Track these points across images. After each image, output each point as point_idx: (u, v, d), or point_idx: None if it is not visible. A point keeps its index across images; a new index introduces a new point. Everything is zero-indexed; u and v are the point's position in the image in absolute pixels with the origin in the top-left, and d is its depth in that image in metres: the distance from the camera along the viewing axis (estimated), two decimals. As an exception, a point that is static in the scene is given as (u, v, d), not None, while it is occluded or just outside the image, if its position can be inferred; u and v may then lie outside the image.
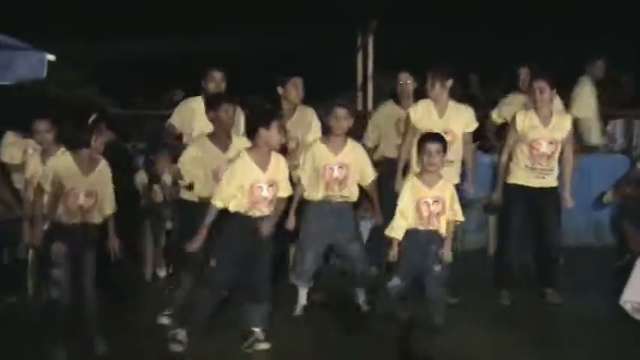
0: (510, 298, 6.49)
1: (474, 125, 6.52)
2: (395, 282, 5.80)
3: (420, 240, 5.80)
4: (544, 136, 6.34)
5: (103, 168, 5.54)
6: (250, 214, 5.48)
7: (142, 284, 7.23)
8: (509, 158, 6.49)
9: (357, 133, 6.86)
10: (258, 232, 5.46)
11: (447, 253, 5.80)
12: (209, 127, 6.12)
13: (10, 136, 7.32)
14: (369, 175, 6.31)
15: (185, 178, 5.95)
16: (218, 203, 5.43)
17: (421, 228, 5.79)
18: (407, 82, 7.07)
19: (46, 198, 5.46)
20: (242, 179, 5.42)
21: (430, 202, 5.77)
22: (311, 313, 6.31)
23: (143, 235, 7.35)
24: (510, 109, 7.26)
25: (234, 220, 5.48)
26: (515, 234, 6.48)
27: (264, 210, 5.51)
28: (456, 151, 6.35)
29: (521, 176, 6.42)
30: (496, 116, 7.71)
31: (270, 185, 5.50)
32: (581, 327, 6.05)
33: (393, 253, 5.79)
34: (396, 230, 5.80)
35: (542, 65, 7.39)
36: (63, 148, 6.49)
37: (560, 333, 5.95)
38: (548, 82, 6.31)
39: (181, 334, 5.50)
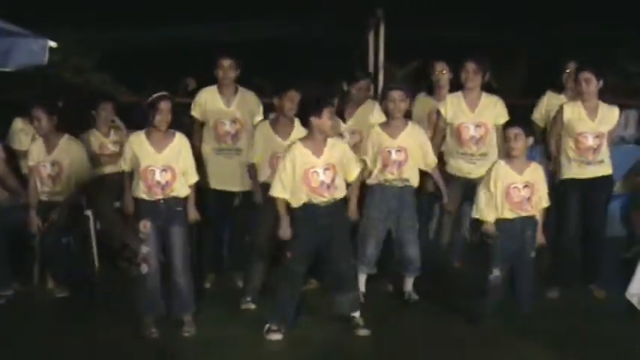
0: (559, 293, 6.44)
1: (504, 117, 6.38)
2: (495, 273, 5.73)
3: (514, 228, 5.74)
4: (591, 129, 6.22)
5: (178, 142, 5.65)
6: (313, 200, 5.52)
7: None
8: (558, 152, 6.40)
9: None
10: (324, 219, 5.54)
11: (539, 238, 5.81)
12: (224, 117, 6.43)
13: (18, 123, 7.36)
14: (429, 160, 6.24)
15: (254, 158, 6.16)
16: (279, 193, 5.51)
17: (514, 216, 5.73)
18: (442, 71, 7.04)
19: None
20: (296, 166, 5.48)
21: (520, 187, 5.72)
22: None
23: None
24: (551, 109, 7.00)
25: (299, 212, 5.55)
26: (573, 229, 6.37)
27: (325, 195, 5.54)
28: (489, 144, 6.37)
29: (573, 170, 6.31)
30: (539, 117, 7.19)
31: (327, 169, 5.52)
32: (590, 319, 5.99)
33: (491, 230, 5.71)
34: (488, 213, 5.74)
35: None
36: (67, 135, 6.58)
37: (568, 325, 5.88)
38: (594, 73, 6.17)
39: (275, 324, 5.59)
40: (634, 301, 5.66)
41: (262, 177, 6.16)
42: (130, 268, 6.97)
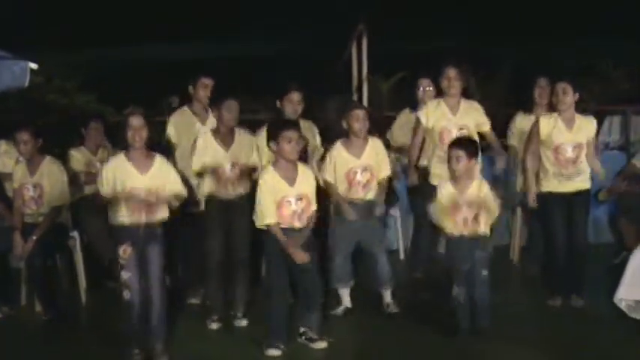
0: (560, 302, 6.43)
1: (486, 125, 6.52)
2: (455, 290, 5.73)
3: (462, 247, 5.70)
4: (569, 140, 6.22)
5: (160, 164, 5.48)
6: (282, 226, 5.50)
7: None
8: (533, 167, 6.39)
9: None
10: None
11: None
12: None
13: (2, 145, 7.33)
14: (384, 171, 6.25)
15: (195, 166, 6.02)
16: (268, 221, 5.47)
17: (461, 233, 5.68)
18: (428, 88, 7.06)
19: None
20: (272, 195, 5.45)
21: (464, 206, 5.67)
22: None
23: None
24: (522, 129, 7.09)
25: (269, 232, 5.52)
26: (560, 241, 6.36)
27: (295, 224, 5.52)
28: None
29: (552, 183, 6.32)
30: (515, 142, 7.30)
31: (299, 199, 5.51)
32: (579, 325, 6.02)
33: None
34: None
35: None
36: (48, 157, 6.57)
37: (558, 330, 5.92)
38: (571, 85, 6.19)
39: (273, 342, 5.53)
40: (622, 306, 5.69)
41: (206, 189, 6.09)
42: (119, 287, 6.93)
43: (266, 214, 5.46)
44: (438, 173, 6.44)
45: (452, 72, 6.41)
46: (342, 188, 6.15)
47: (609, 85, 9.75)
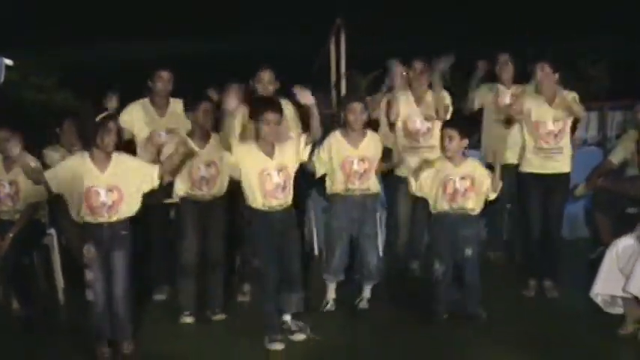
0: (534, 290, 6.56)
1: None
2: (436, 266, 5.86)
3: (448, 223, 5.86)
4: (548, 114, 6.36)
5: (119, 162, 5.42)
6: (267, 204, 5.51)
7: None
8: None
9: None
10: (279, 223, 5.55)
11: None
12: (158, 128, 6.53)
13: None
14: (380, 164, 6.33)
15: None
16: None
17: (447, 208, 5.85)
18: (403, 74, 7.05)
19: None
20: (251, 166, 5.48)
21: (457, 179, 5.83)
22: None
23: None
24: (485, 96, 7.36)
25: (255, 215, 5.54)
26: (537, 223, 6.49)
27: (279, 197, 5.53)
28: (436, 137, 6.40)
29: (533, 162, 6.44)
30: (470, 103, 7.49)
31: (280, 170, 5.51)
32: (556, 320, 6.06)
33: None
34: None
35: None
36: (26, 153, 6.51)
37: (534, 326, 5.95)
38: (549, 63, 6.33)
39: (273, 335, 5.54)
40: (598, 300, 5.75)
41: (181, 190, 6.08)
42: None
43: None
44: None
45: (418, 65, 6.64)
46: (339, 179, 6.18)
47: (587, 82, 9.80)
